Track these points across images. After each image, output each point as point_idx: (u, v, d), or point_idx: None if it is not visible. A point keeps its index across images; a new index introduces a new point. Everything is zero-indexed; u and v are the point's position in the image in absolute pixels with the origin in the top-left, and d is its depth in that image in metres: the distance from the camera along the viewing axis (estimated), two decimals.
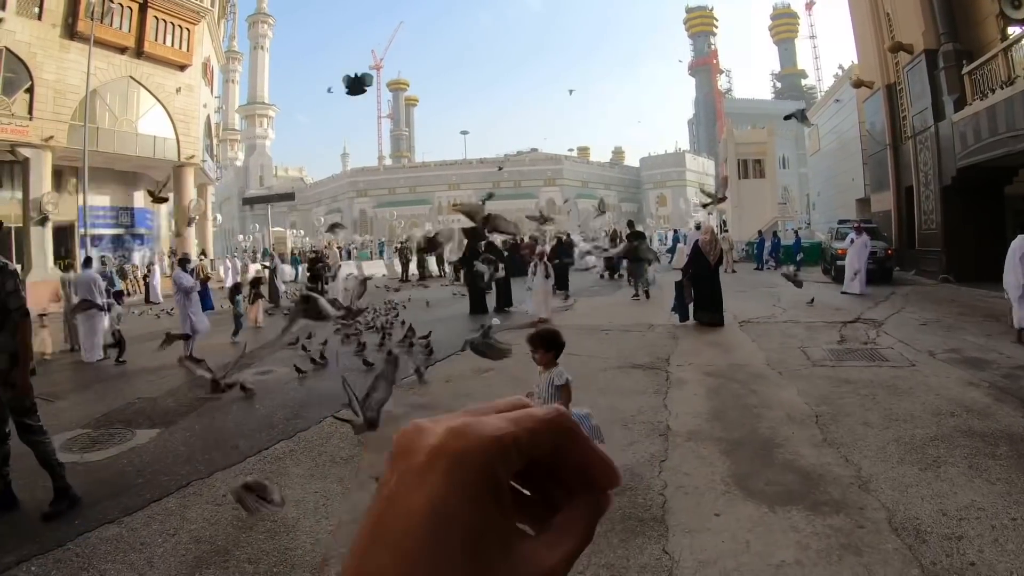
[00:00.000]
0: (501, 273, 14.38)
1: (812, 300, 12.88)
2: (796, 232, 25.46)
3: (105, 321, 15.17)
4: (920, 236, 19.37)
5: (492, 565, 0.33)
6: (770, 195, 29.52)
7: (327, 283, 16.56)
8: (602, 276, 21.66)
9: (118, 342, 11.18)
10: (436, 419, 0.36)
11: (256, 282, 15.16)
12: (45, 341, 11.42)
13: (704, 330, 10.54)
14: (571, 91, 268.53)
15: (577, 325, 11.65)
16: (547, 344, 4.36)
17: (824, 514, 3.92)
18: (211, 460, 5.44)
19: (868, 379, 6.92)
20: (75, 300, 11.20)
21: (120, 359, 10.89)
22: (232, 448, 5.74)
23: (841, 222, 20.77)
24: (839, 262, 16.54)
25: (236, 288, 13.34)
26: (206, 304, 10.48)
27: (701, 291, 11.08)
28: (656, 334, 10.43)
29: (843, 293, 14.65)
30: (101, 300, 11.18)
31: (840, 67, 44.10)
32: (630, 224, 18.51)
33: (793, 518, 3.89)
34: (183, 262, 10.98)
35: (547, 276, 12.66)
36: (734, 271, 21.33)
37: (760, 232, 24.85)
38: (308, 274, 16.67)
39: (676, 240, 27.90)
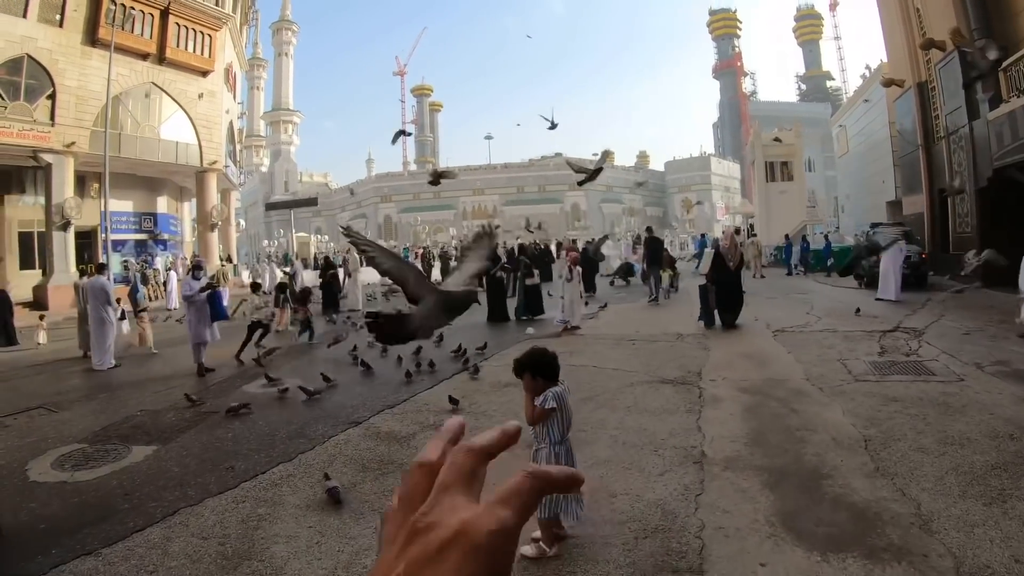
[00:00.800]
0: (536, 279, 13.86)
1: (858, 310, 12.11)
2: (826, 236, 24.56)
3: (125, 326, 15.01)
4: (955, 239, 18.54)
5: None
6: (798, 198, 28.60)
7: (341, 290, 16.19)
8: (612, 283, 20.92)
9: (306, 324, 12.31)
10: (437, 502, 0.41)
11: (282, 287, 15.04)
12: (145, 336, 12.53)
13: (736, 341, 9.90)
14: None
15: (602, 334, 11.08)
16: (533, 368, 3.52)
17: (884, 562, 3.37)
18: (203, 484, 5.01)
19: (916, 396, 6.31)
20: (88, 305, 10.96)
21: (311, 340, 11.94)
22: (227, 470, 5.31)
23: (873, 225, 19.93)
24: (872, 267, 15.82)
25: (304, 293, 13.55)
26: (218, 312, 10.00)
27: (723, 295, 11.26)
28: (686, 344, 9.79)
29: (878, 299, 13.93)
30: (111, 307, 10.89)
31: (867, 67, 43.14)
32: (648, 230, 18.52)
33: (849, 568, 3.33)
34: (195, 268, 10.56)
35: (578, 282, 12.12)
36: (763, 276, 20.60)
37: (787, 236, 24.04)
38: (320, 280, 16.35)
39: (703, 245, 26.99)
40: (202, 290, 9.73)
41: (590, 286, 17.19)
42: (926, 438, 5.14)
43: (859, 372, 7.33)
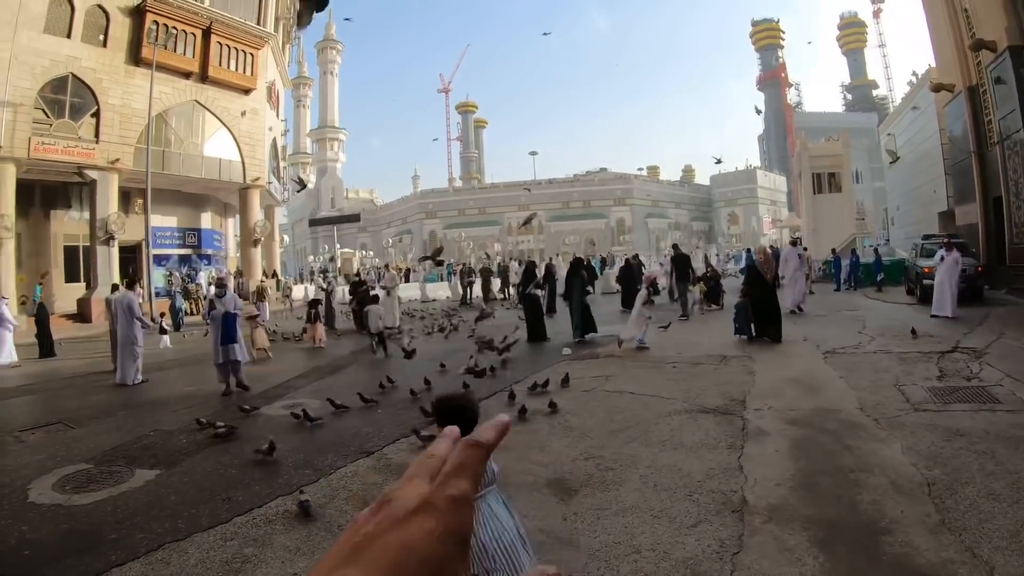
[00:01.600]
0: (592, 293, 13.09)
1: (914, 332, 11.03)
2: (876, 250, 23.33)
3: (166, 341, 14.96)
4: (1011, 251, 17.44)
5: None
6: (847, 210, 27.28)
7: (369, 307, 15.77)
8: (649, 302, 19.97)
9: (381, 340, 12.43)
10: (404, 482, 0.46)
11: (314, 303, 14.80)
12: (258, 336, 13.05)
13: (784, 364, 9.02)
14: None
15: (642, 356, 10.32)
16: (437, 414, 2.82)
17: None
18: (195, 517, 4.63)
19: (982, 429, 5.56)
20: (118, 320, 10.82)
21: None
22: (224, 501, 4.91)
23: (926, 237, 18.81)
24: (925, 281, 14.83)
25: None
26: (229, 334, 9.53)
27: (760, 308, 11.08)
28: (730, 368, 8.93)
29: (933, 316, 12.96)
30: (137, 322, 10.73)
31: (914, 74, 41.55)
32: (674, 247, 18.24)
33: None
34: (217, 285, 10.16)
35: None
36: (811, 292, 19.62)
37: (834, 251, 22.91)
38: (350, 297, 16.03)
39: (751, 260, 25.60)
40: (210, 310, 9.46)
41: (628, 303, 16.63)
42: (997, 481, 4.43)
43: (918, 400, 6.56)
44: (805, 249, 22.99)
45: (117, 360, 10.75)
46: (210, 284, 23.74)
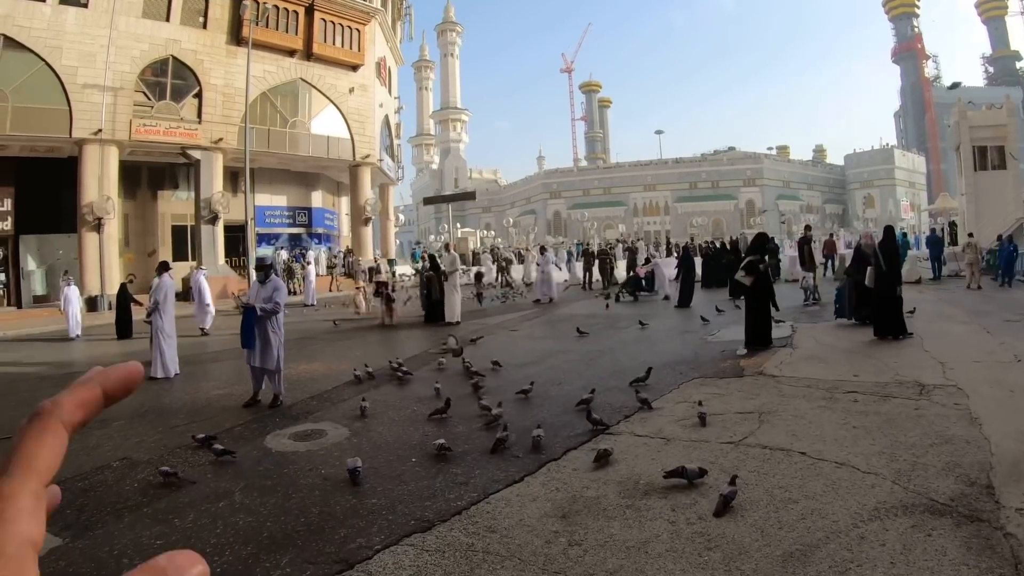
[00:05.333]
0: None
1: None
2: None
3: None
4: None
5: None
6: (1013, 189, 22.17)
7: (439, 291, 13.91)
8: (618, 298, 16.47)
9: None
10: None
11: (382, 284, 14.46)
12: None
13: (1011, 404, 5.51)
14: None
15: (804, 377, 6.94)
16: None
17: None
18: None
19: None
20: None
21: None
22: None
23: None
24: None
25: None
26: (247, 335, 7.49)
27: (863, 292, 10.26)
28: (937, 408, 5.47)
29: None
30: (159, 311, 9.41)
31: None
32: (807, 228, 17.22)
33: None
34: (258, 268, 8.21)
35: None
36: (979, 287, 15.57)
37: (1000, 237, 18.34)
38: (421, 281, 14.75)
39: (905, 244, 20.89)
40: (245, 308, 7.68)
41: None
42: None
43: None
44: (970, 235, 18.57)
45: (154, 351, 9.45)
46: (308, 264, 22.78)
